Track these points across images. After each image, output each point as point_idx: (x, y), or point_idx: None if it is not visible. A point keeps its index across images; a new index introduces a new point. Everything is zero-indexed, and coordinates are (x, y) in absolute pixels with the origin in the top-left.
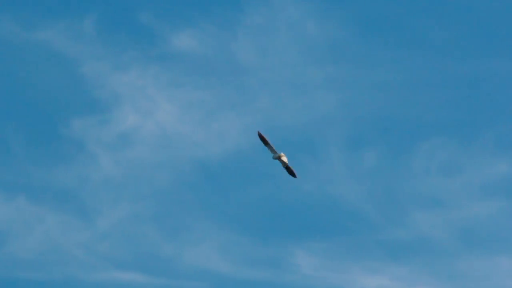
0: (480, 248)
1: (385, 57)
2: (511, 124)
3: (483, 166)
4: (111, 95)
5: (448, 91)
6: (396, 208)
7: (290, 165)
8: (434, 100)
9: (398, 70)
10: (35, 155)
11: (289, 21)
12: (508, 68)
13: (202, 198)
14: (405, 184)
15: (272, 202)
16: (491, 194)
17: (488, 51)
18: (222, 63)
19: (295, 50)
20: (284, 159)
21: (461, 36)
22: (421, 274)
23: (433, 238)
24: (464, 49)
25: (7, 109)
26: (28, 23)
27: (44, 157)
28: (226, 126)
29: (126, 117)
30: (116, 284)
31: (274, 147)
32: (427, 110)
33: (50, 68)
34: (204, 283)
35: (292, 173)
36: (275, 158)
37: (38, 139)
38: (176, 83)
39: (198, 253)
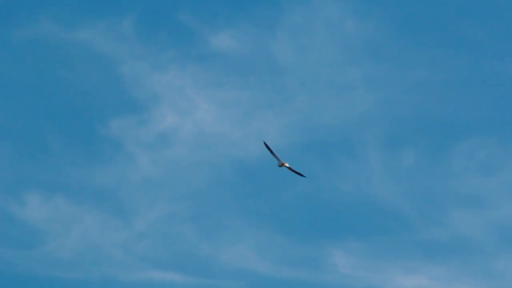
0: None
1: (424, 56)
2: None
3: None
4: (149, 95)
5: (487, 90)
6: (434, 207)
7: (294, 169)
8: (472, 99)
9: (437, 69)
10: (73, 155)
11: (328, 20)
12: None
13: (240, 198)
14: (444, 184)
15: (310, 202)
16: None
17: None
18: (261, 63)
19: (334, 49)
20: (287, 165)
21: (500, 35)
22: (458, 274)
23: (471, 238)
24: (503, 48)
25: (45, 109)
26: (68, 23)
27: (83, 157)
28: (264, 125)
29: (165, 116)
30: (154, 283)
31: (278, 156)
32: (466, 109)
33: (89, 67)
34: (242, 282)
35: (300, 174)
36: (279, 166)
37: (76, 139)
38: (215, 83)
39: (235, 253)
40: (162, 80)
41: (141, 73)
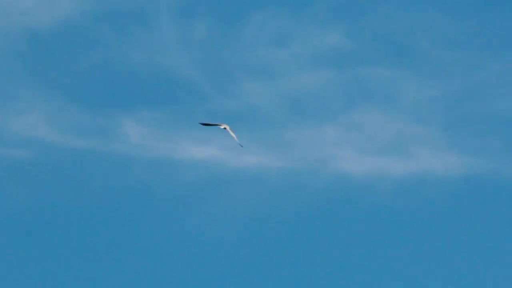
0: (308, 118)
1: None
2: None
3: (313, 37)
4: None
5: None
6: (226, 78)
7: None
8: None
9: None
10: None
11: None
12: None
13: (31, 67)
14: (236, 55)
15: (101, 71)
16: (320, 64)
17: None
18: None
19: None
20: (227, 127)
21: None
22: (249, 144)
23: (261, 108)
24: None
25: None
26: None
27: None
28: None
29: None
30: None
31: (217, 123)
32: None
33: None
34: (31, 151)
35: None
36: (222, 128)
37: None
38: None
39: (25, 122)
40: None
41: None
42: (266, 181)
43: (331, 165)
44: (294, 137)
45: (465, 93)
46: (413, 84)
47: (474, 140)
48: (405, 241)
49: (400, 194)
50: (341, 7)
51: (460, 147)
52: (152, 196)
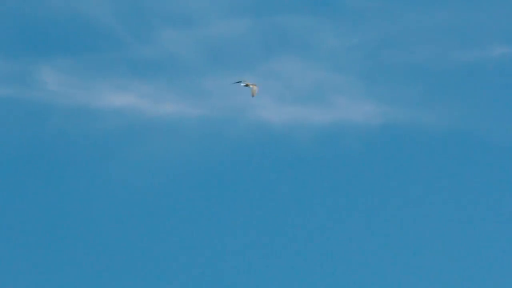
0: (226, 67)
1: None
2: None
3: None
4: None
5: None
6: (144, 25)
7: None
8: None
9: None
10: None
11: None
12: None
13: None
14: (154, 2)
15: (18, 18)
16: (238, 12)
17: None
18: None
19: None
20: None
21: None
22: (167, 92)
23: (180, 56)
24: None
25: None
26: None
27: None
28: None
29: None
30: None
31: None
32: None
33: None
34: None
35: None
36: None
37: None
38: None
39: None
40: None
41: None
42: (184, 129)
43: (249, 114)
44: (212, 85)
45: (384, 42)
46: (332, 33)
47: (392, 89)
48: (324, 189)
49: (319, 142)
50: None
51: (378, 96)
52: (70, 144)
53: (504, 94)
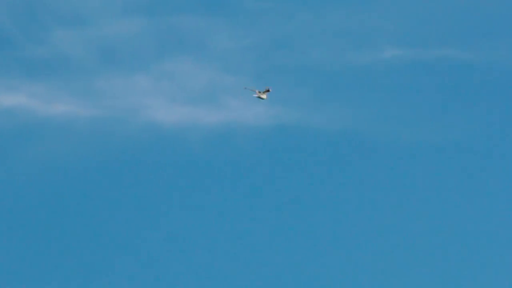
0: (119, 67)
1: None
2: None
3: None
4: None
5: None
6: (36, 25)
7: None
8: None
9: None
10: None
11: None
12: None
13: None
14: (47, 1)
15: None
16: (131, 12)
17: None
18: None
19: None
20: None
21: None
22: (58, 92)
23: (72, 56)
24: None
25: None
26: None
27: None
28: None
29: None
30: None
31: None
32: None
33: None
34: None
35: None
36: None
37: None
38: None
39: None
40: None
41: None
42: (75, 129)
43: (141, 114)
44: (105, 85)
45: (277, 43)
46: (226, 34)
47: (284, 90)
48: (214, 189)
49: (211, 143)
50: None
51: (270, 97)
52: None
53: (394, 95)
